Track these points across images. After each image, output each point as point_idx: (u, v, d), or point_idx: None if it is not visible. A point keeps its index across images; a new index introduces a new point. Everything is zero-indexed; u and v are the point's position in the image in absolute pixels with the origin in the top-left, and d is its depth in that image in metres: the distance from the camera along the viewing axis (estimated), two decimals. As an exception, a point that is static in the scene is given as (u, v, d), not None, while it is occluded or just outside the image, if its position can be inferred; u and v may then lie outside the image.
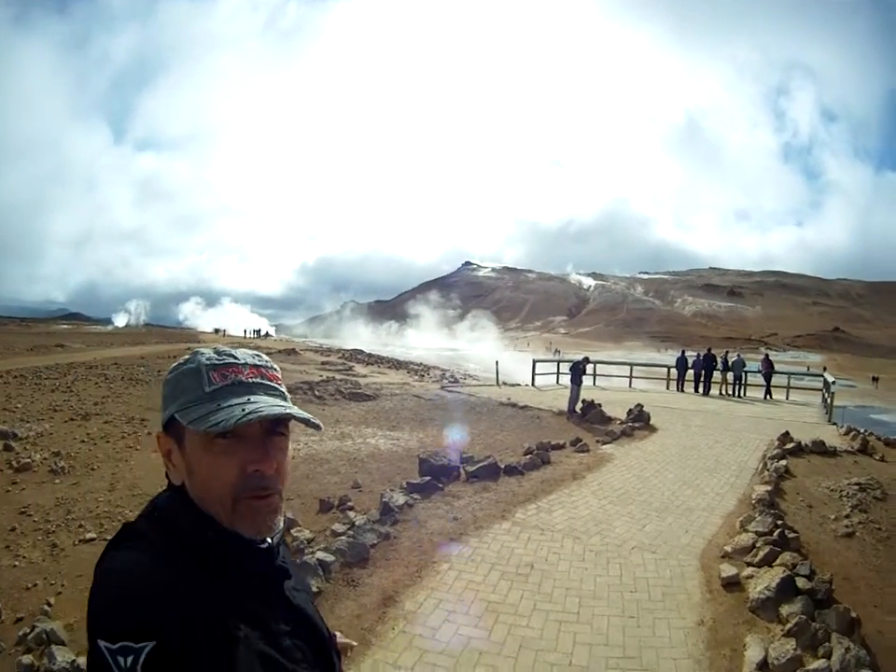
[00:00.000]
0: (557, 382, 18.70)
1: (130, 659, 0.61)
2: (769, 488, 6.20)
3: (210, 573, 0.72)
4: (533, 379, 18.28)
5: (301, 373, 19.95)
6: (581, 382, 12.12)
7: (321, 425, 0.83)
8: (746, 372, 17.44)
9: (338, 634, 1.07)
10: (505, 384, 18.91)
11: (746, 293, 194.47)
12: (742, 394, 17.24)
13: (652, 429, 10.31)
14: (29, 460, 6.69)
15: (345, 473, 7.01)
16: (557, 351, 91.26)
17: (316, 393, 13.65)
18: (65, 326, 66.66)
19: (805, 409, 14.90)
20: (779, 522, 5.06)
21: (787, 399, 17.15)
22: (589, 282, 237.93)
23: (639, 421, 10.44)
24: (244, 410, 0.73)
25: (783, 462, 7.40)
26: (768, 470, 7.12)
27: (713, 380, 17.50)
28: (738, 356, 17.86)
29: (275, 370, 0.84)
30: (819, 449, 8.40)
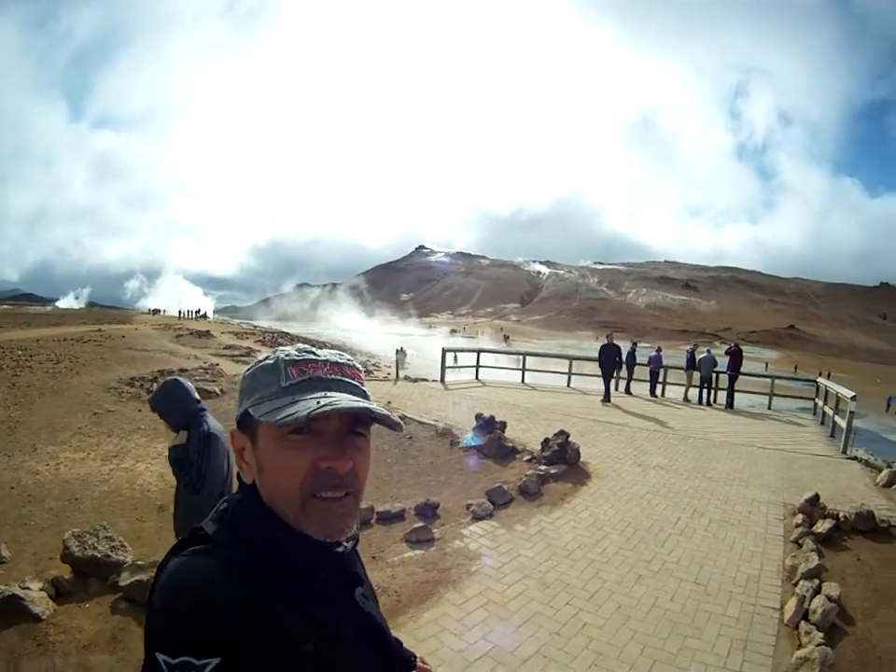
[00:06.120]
0: (476, 377, 14.69)
1: None
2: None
3: (280, 579, 0.66)
4: (442, 374, 14.09)
5: (186, 358, 15.72)
6: None
7: (402, 424, 0.74)
8: (717, 373, 13.93)
9: (418, 657, 0.94)
10: (408, 378, 14.68)
11: (701, 287, 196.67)
12: (712, 400, 13.70)
13: (582, 477, 6.03)
14: None
15: None
16: (507, 337, 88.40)
17: (140, 385, 10.34)
18: (6, 307, 62.37)
19: (798, 429, 10.94)
20: None
21: (769, 408, 13.64)
22: (542, 269, 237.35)
23: (560, 461, 6.04)
24: (318, 403, 0.68)
25: (832, 593, 3.45)
26: (812, 621, 3.22)
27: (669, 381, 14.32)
28: (708, 351, 14.02)
29: (358, 368, 0.78)
30: (867, 526, 4.62)
